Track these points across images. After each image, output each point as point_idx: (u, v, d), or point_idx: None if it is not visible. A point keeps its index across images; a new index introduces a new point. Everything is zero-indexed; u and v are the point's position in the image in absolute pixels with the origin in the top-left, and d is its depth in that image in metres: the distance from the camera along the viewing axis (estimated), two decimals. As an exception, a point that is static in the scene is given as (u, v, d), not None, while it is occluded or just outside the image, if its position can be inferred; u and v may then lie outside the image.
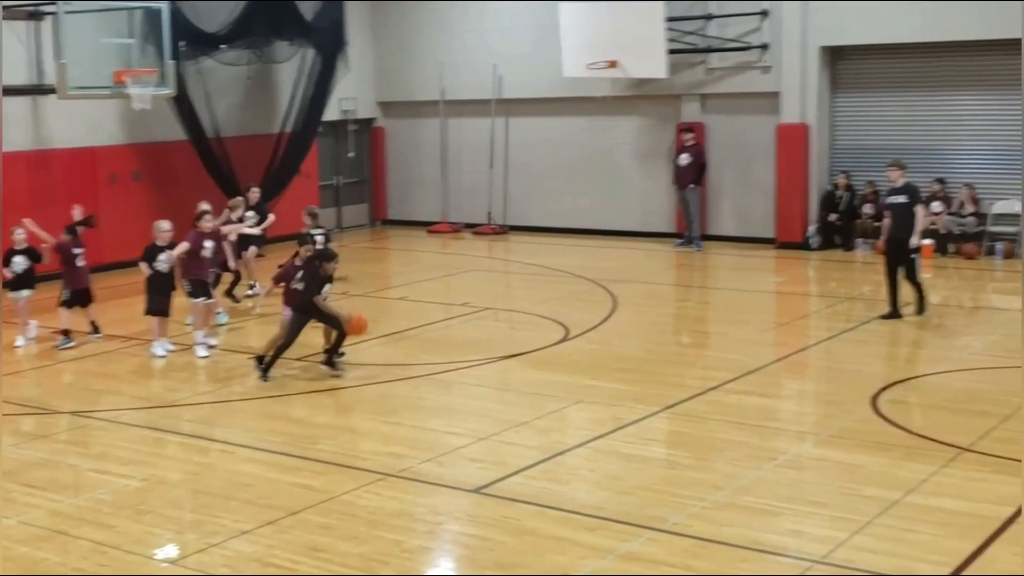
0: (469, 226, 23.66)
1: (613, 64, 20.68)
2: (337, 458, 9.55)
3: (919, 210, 14.37)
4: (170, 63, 17.77)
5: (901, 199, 14.43)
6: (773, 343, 14.13)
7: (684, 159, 20.87)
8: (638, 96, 21.75)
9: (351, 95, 23.56)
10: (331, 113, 22.57)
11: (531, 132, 23.26)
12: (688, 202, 20.85)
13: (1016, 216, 18.50)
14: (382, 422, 10.71)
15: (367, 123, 24.94)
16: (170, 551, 7.84)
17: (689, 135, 20.90)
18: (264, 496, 8.68)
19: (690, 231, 20.88)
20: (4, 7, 16.94)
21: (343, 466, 9.32)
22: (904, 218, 14.33)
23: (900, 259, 14.39)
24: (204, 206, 14.21)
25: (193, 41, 18.83)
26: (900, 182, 14.51)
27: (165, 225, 13.45)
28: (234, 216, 16.01)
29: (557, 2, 21.10)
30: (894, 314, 14.40)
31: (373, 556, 7.55)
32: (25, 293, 13.96)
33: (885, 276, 14.60)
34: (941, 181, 19.38)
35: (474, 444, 9.92)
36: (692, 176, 20.79)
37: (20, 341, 13.86)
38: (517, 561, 7.45)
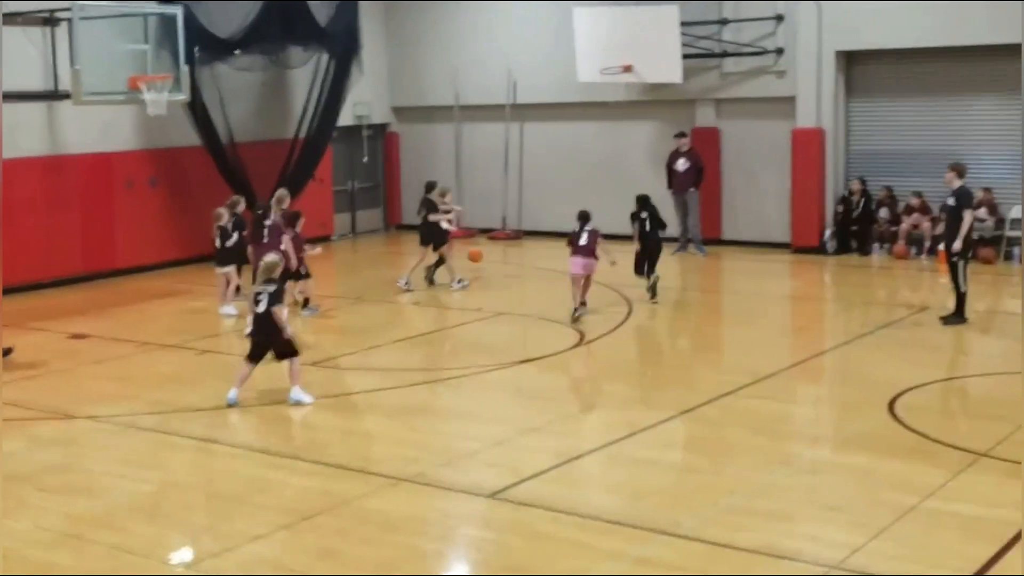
0: (483, 231, 23.63)
1: (628, 69, 20.64)
2: (351, 462, 9.52)
3: (966, 215, 14.26)
4: (185, 69, 17.78)
5: (950, 202, 14.45)
6: (789, 347, 14.07)
7: (682, 164, 20.76)
8: (652, 101, 21.71)
9: (365, 100, 23.57)
10: (345, 118, 22.53)
11: (545, 137, 23.23)
12: (689, 206, 20.78)
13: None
14: (396, 426, 10.69)
15: (381, 128, 24.95)
16: (184, 555, 7.85)
17: (684, 140, 20.84)
18: (278, 500, 8.68)
19: (692, 235, 20.79)
20: (19, 13, 17.01)
21: (357, 470, 9.30)
22: (951, 222, 14.37)
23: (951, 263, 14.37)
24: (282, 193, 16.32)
25: (207, 46, 18.84)
26: (955, 185, 14.44)
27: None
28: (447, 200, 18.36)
29: (572, 4, 21.10)
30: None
31: (387, 560, 7.54)
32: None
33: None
34: (958, 185, 19.32)
35: (488, 449, 9.90)
36: (691, 181, 20.72)
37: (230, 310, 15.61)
38: (531, 565, 7.43)
